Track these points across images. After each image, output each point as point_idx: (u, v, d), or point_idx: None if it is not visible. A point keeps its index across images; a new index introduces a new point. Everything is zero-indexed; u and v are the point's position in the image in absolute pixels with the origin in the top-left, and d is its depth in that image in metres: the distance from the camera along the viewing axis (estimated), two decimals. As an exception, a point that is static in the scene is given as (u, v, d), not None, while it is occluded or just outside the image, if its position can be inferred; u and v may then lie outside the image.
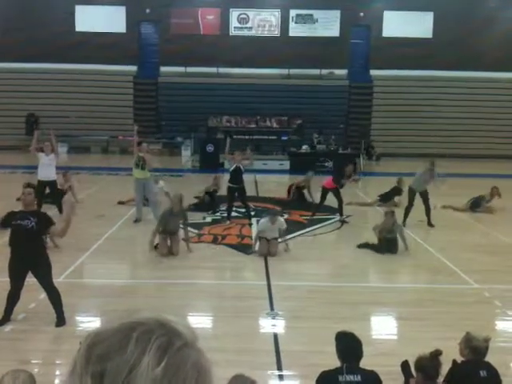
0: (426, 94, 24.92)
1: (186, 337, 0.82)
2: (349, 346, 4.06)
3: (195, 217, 11.75)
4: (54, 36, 24.51)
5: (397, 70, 25.07)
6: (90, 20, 25.17)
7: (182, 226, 9.15)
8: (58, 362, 5.30)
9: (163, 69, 25.87)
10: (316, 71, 25.41)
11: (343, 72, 26.16)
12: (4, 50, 24.32)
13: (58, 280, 7.59)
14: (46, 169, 11.05)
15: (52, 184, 11.13)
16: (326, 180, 11.86)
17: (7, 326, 6.00)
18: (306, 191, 13.43)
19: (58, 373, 5.13)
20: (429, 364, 3.89)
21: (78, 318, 6.56)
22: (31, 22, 24.67)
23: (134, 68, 26.01)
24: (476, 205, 12.77)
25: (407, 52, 25.06)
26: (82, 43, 24.71)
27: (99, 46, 24.79)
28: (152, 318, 0.82)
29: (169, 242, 8.80)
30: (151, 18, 25.95)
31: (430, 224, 11.20)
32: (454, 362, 4.14)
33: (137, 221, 11.01)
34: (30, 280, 7.65)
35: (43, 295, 6.97)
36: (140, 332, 0.79)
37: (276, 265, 8.55)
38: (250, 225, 11.06)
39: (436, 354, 3.89)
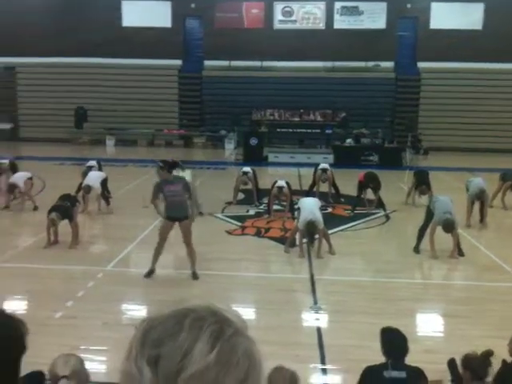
0: (475, 87, 24.20)
1: (237, 325, 0.83)
2: (394, 341, 4.01)
3: (239, 209, 11.85)
4: (101, 31, 25.02)
5: (445, 63, 24.42)
6: (136, 15, 25.58)
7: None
8: (105, 348, 5.44)
9: (207, 63, 26.06)
10: (361, 64, 25.06)
11: (390, 64, 25.69)
12: (53, 45, 25.00)
13: (106, 268, 7.82)
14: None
15: None
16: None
17: (58, 312, 6.19)
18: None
19: (104, 359, 5.28)
20: (479, 363, 3.79)
21: (124, 306, 6.72)
22: (79, 18, 25.26)
23: (179, 62, 26.30)
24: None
25: (456, 44, 24.37)
26: (128, 38, 25.16)
27: (145, 41, 25.18)
28: (204, 306, 0.84)
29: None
30: (196, 13, 26.14)
31: (482, 221, 10.89)
32: (504, 362, 4.02)
33: None
34: (79, 268, 7.91)
35: (91, 283, 7.19)
36: (192, 319, 0.80)
37: (319, 259, 8.50)
38: (294, 218, 11.03)
39: (487, 354, 3.79)
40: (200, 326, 0.79)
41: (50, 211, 8.70)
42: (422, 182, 12.13)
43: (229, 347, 0.79)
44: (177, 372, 0.75)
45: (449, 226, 8.39)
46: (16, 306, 6.40)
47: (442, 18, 24.95)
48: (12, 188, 11.40)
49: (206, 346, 0.77)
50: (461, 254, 8.69)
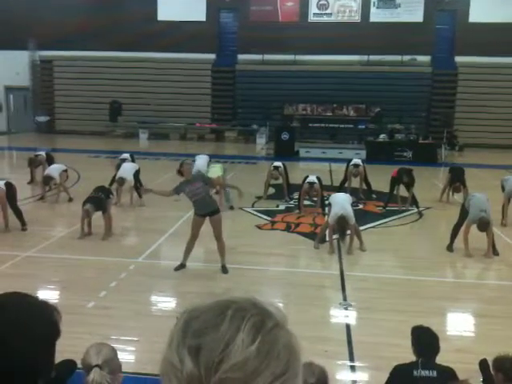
0: (515, 82, 23.55)
1: (278, 318, 0.83)
2: (425, 340, 3.96)
3: (269, 204, 11.85)
4: (136, 25, 25.29)
5: (484, 57, 23.82)
6: (171, 9, 25.75)
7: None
8: (136, 338, 5.53)
9: (241, 57, 26.06)
10: (397, 57, 24.66)
11: (426, 58, 25.21)
12: (88, 39, 25.39)
13: (138, 260, 7.94)
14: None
15: None
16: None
17: (90, 302, 6.33)
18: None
19: (135, 349, 5.37)
20: (511, 365, 3.70)
21: (154, 297, 6.81)
22: (115, 12, 25.57)
23: (212, 56, 26.39)
24: None
25: (496, 38, 23.71)
26: (163, 32, 25.35)
27: (179, 35, 25.31)
28: (245, 298, 0.84)
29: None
30: (231, 6, 26.14)
31: None
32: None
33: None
34: (112, 259, 8.04)
35: (123, 274, 7.31)
36: (234, 310, 0.81)
37: (349, 255, 8.45)
38: (324, 214, 10.97)
39: (519, 355, 3.70)
40: (241, 317, 0.80)
41: (84, 202, 8.88)
42: (456, 179, 11.90)
43: (270, 339, 0.79)
44: (218, 362, 0.76)
45: (483, 225, 8.22)
46: (50, 295, 6.56)
47: (482, 11, 24.29)
48: (47, 180, 11.66)
49: (247, 338, 0.77)
50: (495, 253, 8.50)
